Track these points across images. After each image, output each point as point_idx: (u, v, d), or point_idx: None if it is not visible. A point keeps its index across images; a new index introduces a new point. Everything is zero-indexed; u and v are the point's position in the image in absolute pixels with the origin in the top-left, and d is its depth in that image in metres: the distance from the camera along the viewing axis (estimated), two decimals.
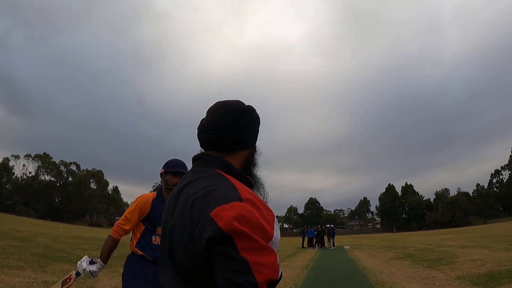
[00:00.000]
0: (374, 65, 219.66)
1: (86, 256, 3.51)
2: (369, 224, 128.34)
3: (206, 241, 0.99)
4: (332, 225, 36.45)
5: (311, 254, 23.65)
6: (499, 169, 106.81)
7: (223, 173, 1.23)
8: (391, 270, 12.40)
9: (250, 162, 1.40)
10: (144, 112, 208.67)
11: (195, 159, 1.36)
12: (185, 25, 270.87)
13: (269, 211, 1.12)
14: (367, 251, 23.50)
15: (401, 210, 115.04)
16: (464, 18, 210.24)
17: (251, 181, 1.34)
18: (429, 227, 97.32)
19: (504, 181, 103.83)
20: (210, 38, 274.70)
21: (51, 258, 12.01)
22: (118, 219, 3.65)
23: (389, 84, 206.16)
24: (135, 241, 3.54)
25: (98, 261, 3.41)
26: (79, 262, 3.42)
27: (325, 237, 33.02)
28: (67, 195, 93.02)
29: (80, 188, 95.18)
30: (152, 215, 3.53)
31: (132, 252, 3.55)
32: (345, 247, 30.41)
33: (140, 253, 3.47)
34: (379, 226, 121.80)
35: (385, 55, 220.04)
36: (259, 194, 1.41)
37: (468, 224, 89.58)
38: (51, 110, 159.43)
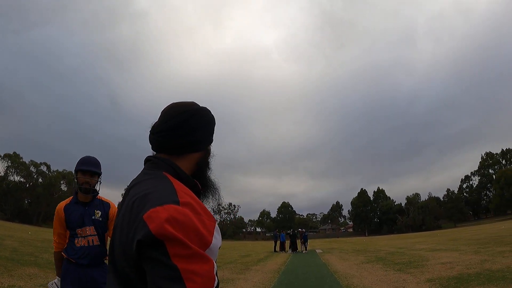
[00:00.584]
0: (348, 73, 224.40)
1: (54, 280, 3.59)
2: (342, 228, 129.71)
3: (136, 244, 0.95)
4: (303, 229, 36.45)
5: (283, 258, 23.49)
6: (469, 174, 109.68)
7: (168, 176, 1.16)
8: (362, 273, 12.33)
9: (202, 165, 1.32)
10: (118, 111, 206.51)
11: (146, 161, 1.29)
12: (163, 26, 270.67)
13: (210, 217, 1.07)
14: (338, 254, 23.49)
15: (373, 215, 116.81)
16: (438, 30, 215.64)
17: (198, 186, 1.28)
18: (400, 231, 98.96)
19: (474, 186, 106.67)
20: (187, 40, 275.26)
21: (18, 261, 11.62)
22: None
23: (362, 92, 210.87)
24: (65, 246, 3.53)
25: (56, 277, 3.50)
26: None
27: (298, 241, 32.97)
28: (37, 196, 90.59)
29: (50, 189, 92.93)
30: (67, 219, 3.49)
31: None
32: (317, 251, 30.42)
33: (65, 256, 3.45)
34: (351, 230, 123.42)
35: (359, 64, 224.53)
36: (212, 199, 1.36)
37: (439, 228, 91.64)
38: (22, 108, 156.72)
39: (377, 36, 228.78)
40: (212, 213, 1.13)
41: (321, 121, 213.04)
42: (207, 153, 1.34)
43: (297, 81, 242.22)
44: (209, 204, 1.33)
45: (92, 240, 3.44)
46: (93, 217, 3.48)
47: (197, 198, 1.12)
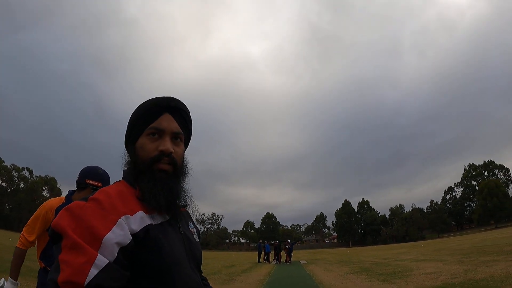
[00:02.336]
0: (334, 86, 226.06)
1: (3, 278, 3.18)
2: (326, 239, 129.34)
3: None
4: (289, 240, 36.31)
5: (267, 269, 23.31)
6: (452, 186, 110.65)
7: (119, 181, 1.24)
8: (346, 284, 12.24)
9: (133, 161, 1.25)
10: (103, 119, 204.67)
11: None
12: (151, 34, 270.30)
13: (116, 212, 1.03)
14: (323, 265, 23.41)
15: (357, 226, 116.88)
16: (422, 45, 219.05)
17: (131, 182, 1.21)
18: (384, 242, 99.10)
19: (457, 197, 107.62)
20: (175, 48, 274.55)
21: None
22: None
23: (347, 104, 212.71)
24: (39, 253, 3.19)
25: (9, 279, 3.02)
26: None
27: (282, 252, 32.74)
28: (18, 202, 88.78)
29: (32, 195, 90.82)
30: None
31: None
32: (302, 261, 30.26)
33: (43, 265, 3.14)
34: (335, 241, 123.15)
35: (345, 76, 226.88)
36: (155, 198, 1.14)
37: (422, 238, 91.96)
38: (4, 112, 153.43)
39: (363, 49, 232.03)
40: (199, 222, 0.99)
41: (306, 133, 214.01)
42: (135, 149, 1.26)
43: (283, 92, 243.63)
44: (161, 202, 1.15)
45: None
46: None
47: (114, 194, 1.08)
